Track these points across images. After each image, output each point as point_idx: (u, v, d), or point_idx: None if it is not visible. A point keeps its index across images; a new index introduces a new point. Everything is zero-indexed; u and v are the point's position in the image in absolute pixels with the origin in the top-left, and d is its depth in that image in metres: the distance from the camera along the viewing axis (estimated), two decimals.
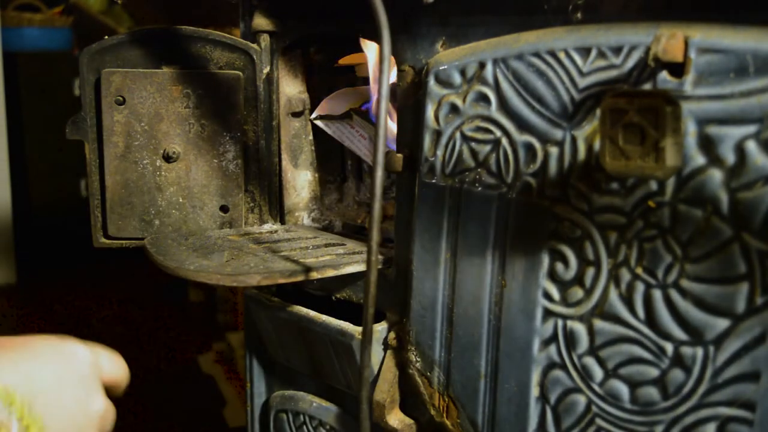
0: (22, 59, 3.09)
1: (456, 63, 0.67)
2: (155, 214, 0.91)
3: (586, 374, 0.60)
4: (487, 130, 0.65)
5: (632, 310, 0.57)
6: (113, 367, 0.62)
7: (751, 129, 0.50)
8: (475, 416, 0.69)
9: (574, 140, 0.59)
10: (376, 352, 0.77)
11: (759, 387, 0.51)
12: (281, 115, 0.91)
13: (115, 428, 0.62)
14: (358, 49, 0.88)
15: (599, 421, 0.60)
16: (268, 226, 0.92)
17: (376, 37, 0.63)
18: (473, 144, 0.66)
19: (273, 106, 0.90)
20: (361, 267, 0.76)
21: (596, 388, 0.60)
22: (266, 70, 0.89)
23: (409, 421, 0.77)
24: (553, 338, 0.62)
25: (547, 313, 0.62)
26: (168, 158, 0.89)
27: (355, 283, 0.82)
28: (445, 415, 0.72)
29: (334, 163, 1.00)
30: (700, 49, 0.51)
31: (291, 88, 0.92)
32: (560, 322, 0.61)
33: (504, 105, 0.63)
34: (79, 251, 2.16)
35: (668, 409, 0.56)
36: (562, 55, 0.59)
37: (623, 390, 0.58)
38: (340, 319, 0.80)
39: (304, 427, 0.90)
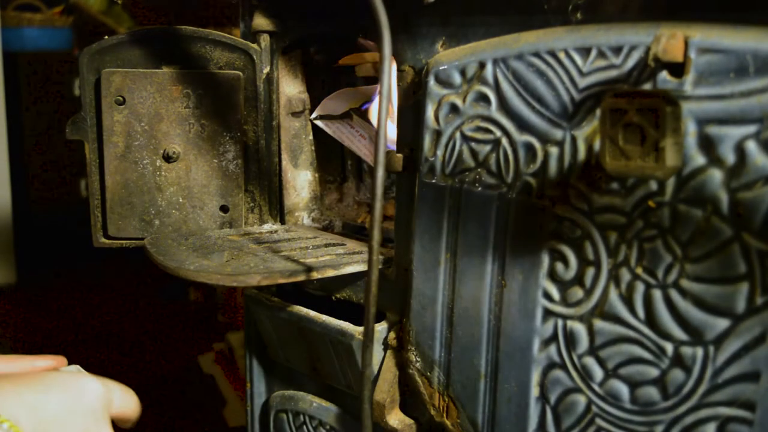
0: (22, 59, 3.09)
1: (456, 63, 0.67)
2: (155, 214, 0.91)
3: (586, 374, 0.60)
4: (487, 130, 0.65)
5: (632, 310, 0.57)
6: (124, 401, 0.64)
7: (751, 129, 0.50)
8: (475, 416, 0.69)
9: (574, 140, 0.59)
10: (377, 352, 0.77)
11: (759, 387, 0.51)
12: (281, 115, 0.91)
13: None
14: (358, 49, 0.88)
15: (599, 421, 0.60)
16: (268, 226, 0.92)
17: (376, 37, 0.63)
18: (473, 144, 0.66)
19: (273, 106, 0.90)
20: (361, 267, 0.76)
21: (596, 388, 0.60)
22: (266, 70, 0.89)
23: (409, 421, 0.77)
24: (553, 338, 0.62)
25: (547, 313, 0.62)
26: (168, 158, 0.89)
27: (355, 283, 0.82)
28: (445, 415, 0.72)
29: (334, 163, 1.00)
30: (700, 49, 0.51)
31: (291, 88, 0.92)
32: (560, 322, 0.61)
33: (504, 105, 0.63)
34: (79, 251, 2.15)
35: (668, 409, 0.56)
36: (562, 55, 0.59)
37: (623, 390, 0.58)
38: (340, 319, 0.80)
39: (304, 427, 0.90)
